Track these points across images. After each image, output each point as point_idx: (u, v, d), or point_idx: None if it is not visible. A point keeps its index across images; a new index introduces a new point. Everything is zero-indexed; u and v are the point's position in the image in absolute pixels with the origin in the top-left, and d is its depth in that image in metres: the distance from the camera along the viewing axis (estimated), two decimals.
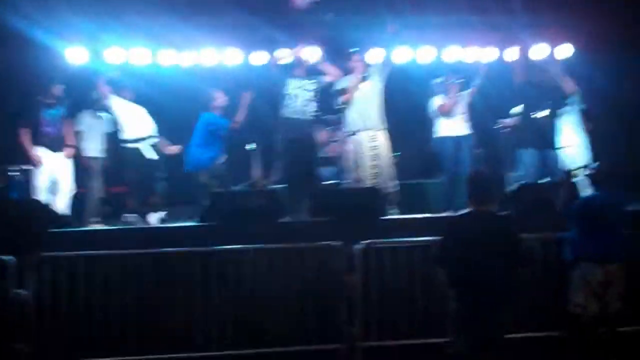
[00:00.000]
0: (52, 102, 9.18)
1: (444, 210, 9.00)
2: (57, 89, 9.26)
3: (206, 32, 10.77)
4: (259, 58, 10.93)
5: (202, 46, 10.86)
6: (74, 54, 9.94)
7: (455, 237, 5.67)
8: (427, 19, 10.76)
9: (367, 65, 9.41)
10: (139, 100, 9.85)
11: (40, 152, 9.06)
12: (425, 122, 9.91)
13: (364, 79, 9.27)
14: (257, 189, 9.51)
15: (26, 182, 9.16)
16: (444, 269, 5.80)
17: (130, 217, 9.10)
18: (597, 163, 8.04)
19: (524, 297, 6.79)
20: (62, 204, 8.99)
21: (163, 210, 9.32)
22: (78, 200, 9.28)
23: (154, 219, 9.10)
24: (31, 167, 9.13)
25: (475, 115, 9.85)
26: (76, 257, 6.90)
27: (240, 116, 9.42)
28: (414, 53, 10.91)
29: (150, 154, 9.52)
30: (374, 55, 9.77)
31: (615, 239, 6.66)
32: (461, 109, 9.64)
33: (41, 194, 8.89)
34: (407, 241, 7.28)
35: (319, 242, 7.22)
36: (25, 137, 9.02)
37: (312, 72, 9.36)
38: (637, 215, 7.27)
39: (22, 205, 7.84)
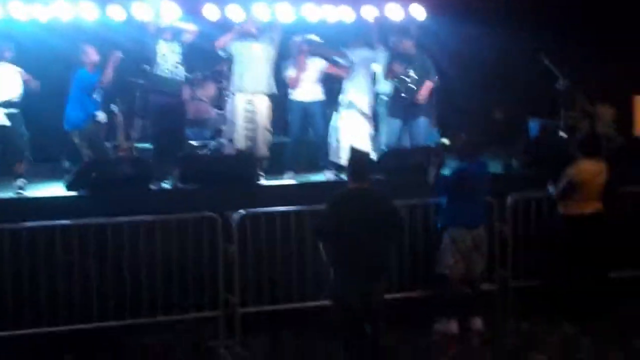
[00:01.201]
0: None
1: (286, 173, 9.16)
2: None
3: None
4: (116, 13, 10.64)
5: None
6: None
7: (336, 213, 5.91)
8: None
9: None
10: None
11: None
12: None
13: (253, 39, 9.17)
14: (122, 151, 9.35)
15: None
16: (324, 242, 6.06)
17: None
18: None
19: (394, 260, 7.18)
20: None
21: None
22: None
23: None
24: None
25: None
26: None
27: (108, 75, 9.12)
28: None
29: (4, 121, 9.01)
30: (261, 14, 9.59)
31: (481, 206, 7.25)
32: (312, 76, 9.46)
33: None
34: (281, 210, 7.44)
35: (195, 213, 7.25)
36: None
37: (177, 33, 9.19)
38: (494, 179, 7.75)
39: None
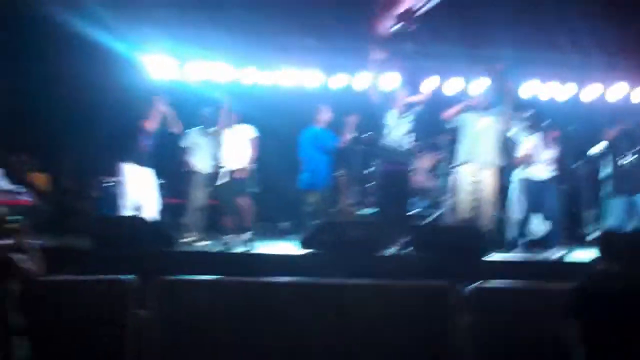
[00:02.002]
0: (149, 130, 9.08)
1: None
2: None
3: (287, 53, 10.85)
4: (338, 81, 11.02)
5: (283, 66, 10.93)
6: (160, 68, 9.98)
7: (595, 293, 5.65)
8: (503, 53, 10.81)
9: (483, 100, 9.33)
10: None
11: (129, 168, 9.00)
12: None
13: (483, 111, 9.19)
14: (344, 215, 9.48)
15: (115, 195, 9.13)
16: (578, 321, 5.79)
17: (228, 238, 9.02)
18: None
19: None
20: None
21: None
22: (169, 214, 9.22)
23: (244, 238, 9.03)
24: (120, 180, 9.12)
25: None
26: (197, 282, 6.82)
27: (348, 135, 9.32)
28: None
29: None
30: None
31: None
32: (547, 154, 9.48)
33: (127, 209, 8.88)
34: (514, 284, 7.22)
35: (425, 281, 7.13)
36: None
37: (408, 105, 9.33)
38: None
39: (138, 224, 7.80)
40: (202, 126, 9.97)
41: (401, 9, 9.66)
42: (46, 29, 9.56)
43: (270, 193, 10.02)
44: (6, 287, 5.08)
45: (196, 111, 9.96)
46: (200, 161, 9.90)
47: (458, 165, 9.17)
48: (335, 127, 9.69)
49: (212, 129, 9.67)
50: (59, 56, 9.93)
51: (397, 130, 9.08)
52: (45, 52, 9.87)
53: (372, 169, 9.82)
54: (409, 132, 9.15)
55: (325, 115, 9.62)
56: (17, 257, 5.11)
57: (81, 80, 10.02)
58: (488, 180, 9.01)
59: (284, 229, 10.48)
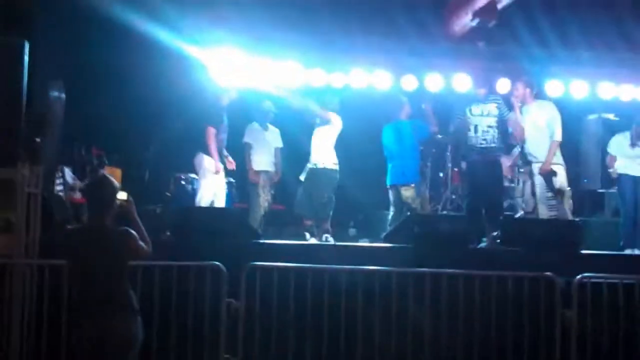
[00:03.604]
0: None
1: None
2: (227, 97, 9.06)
3: (356, 54, 10.68)
4: (409, 83, 10.81)
5: (352, 67, 10.75)
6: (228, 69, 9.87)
7: None
8: (579, 54, 10.60)
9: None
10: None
11: (208, 160, 8.82)
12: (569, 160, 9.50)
13: (538, 111, 9.00)
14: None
15: (192, 191, 8.95)
16: None
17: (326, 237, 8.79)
18: None
19: None
20: None
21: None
22: None
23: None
24: (196, 177, 8.93)
25: None
26: (286, 268, 6.58)
27: (434, 127, 9.14)
28: (565, 87, 10.77)
29: None
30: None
31: None
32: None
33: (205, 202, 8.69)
34: (618, 277, 6.88)
35: (534, 273, 6.81)
36: (211, 137, 8.80)
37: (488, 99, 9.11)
38: None
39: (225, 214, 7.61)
40: (263, 121, 9.72)
41: (480, 3, 9.42)
42: (118, 31, 9.49)
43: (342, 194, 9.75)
44: (129, 265, 4.80)
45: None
46: (260, 158, 9.62)
47: (533, 163, 8.92)
48: None
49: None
50: (131, 56, 9.84)
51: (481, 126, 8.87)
52: (118, 52, 9.78)
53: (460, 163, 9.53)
54: (493, 126, 8.88)
55: (408, 109, 9.39)
56: (134, 234, 4.78)
57: (154, 80, 9.91)
58: (562, 175, 8.77)
59: (352, 234, 10.19)
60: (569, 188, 8.84)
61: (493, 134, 8.81)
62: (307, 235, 8.88)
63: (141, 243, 4.78)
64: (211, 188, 8.78)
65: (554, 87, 10.75)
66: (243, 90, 9.58)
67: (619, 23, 10.28)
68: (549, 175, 8.67)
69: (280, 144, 9.71)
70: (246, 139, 9.55)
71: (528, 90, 9.14)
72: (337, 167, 9.07)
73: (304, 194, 9.02)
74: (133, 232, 4.75)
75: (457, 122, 8.94)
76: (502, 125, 8.90)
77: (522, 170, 9.73)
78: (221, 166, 8.80)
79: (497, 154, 8.93)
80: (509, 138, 9.39)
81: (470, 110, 8.94)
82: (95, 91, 9.86)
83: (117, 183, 4.85)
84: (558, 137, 8.79)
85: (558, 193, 8.62)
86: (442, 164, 10.17)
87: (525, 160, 9.10)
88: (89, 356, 4.62)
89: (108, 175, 5.15)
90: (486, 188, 8.66)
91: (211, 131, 8.84)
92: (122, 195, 4.97)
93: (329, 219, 8.84)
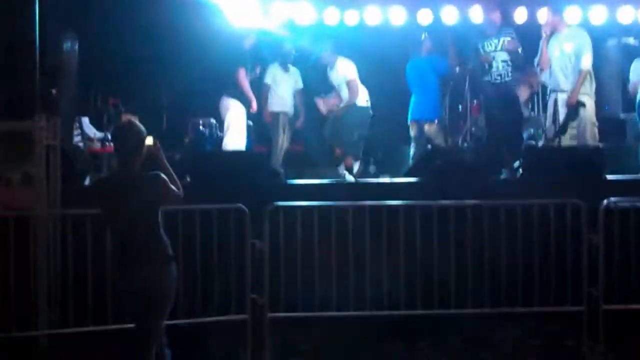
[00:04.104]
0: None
1: None
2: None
3: None
4: (425, 17, 10.62)
5: (366, 5, 10.58)
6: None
7: None
8: None
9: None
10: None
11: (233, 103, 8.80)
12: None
13: (566, 39, 8.79)
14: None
15: (210, 135, 8.91)
16: None
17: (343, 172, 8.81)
18: None
19: None
20: None
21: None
22: None
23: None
24: (214, 121, 8.90)
25: None
26: (309, 207, 6.55)
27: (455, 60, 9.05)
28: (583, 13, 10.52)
29: None
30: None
31: None
32: None
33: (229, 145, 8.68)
34: None
35: (556, 199, 6.73)
36: (243, 77, 8.80)
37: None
38: None
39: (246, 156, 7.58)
40: (284, 61, 9.62)
41: None
42: None
43: None
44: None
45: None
46: (277, 100, 9.51)
47: (557, 92, 8.75)
48: None
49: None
50: (145, 1, 9.72)
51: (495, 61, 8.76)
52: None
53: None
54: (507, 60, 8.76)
55: (428, 44, 9.28)
56: (164, 178, 4.62)
57: (168, 26, 9.76)
58: (590, 107, 8.59)
59: (372, 172, 10.12)
60: (594, 120, 8.65)
61: (507, 68, 8.69)
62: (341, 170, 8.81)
63: (172, 187, 4.68)
64: (242, 130, 8.75)
65: (572, 13, 10.52)
66: (259, 34, 9.44)
67: None
68: (576, 106, 8.49)
69: (300, 85, 9.60)
70: (267, 80, 9.43)
71: (557, 17, 8.91)
72: (368, 104, 8.99)
73: (334, 128, 8.98)
74: (163, 175, 4.63)
75: (474, 57, 8.79)
76: (517, 58, 8.72)
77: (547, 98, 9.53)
78: (256, 105, 8.80)
79: (513, 88, 8.82)
80: (525, 68, 9.25)
81: (483, 47, 8.81)
82: (109, 40, 9.76)
83: (143, 127, 4.73)
84: (586, 65, 8.55)
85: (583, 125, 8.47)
86: (461, 97, 10.03)
87: (549, 89, 8.92)
88: (130, 305, 4.62)
89: (134, 120, 5.06)
90: (504, 125, 8.58)
91: (242, 72, 8.84)
92: (148, 140, 4.80)
93: (353, 158, 8.78)
